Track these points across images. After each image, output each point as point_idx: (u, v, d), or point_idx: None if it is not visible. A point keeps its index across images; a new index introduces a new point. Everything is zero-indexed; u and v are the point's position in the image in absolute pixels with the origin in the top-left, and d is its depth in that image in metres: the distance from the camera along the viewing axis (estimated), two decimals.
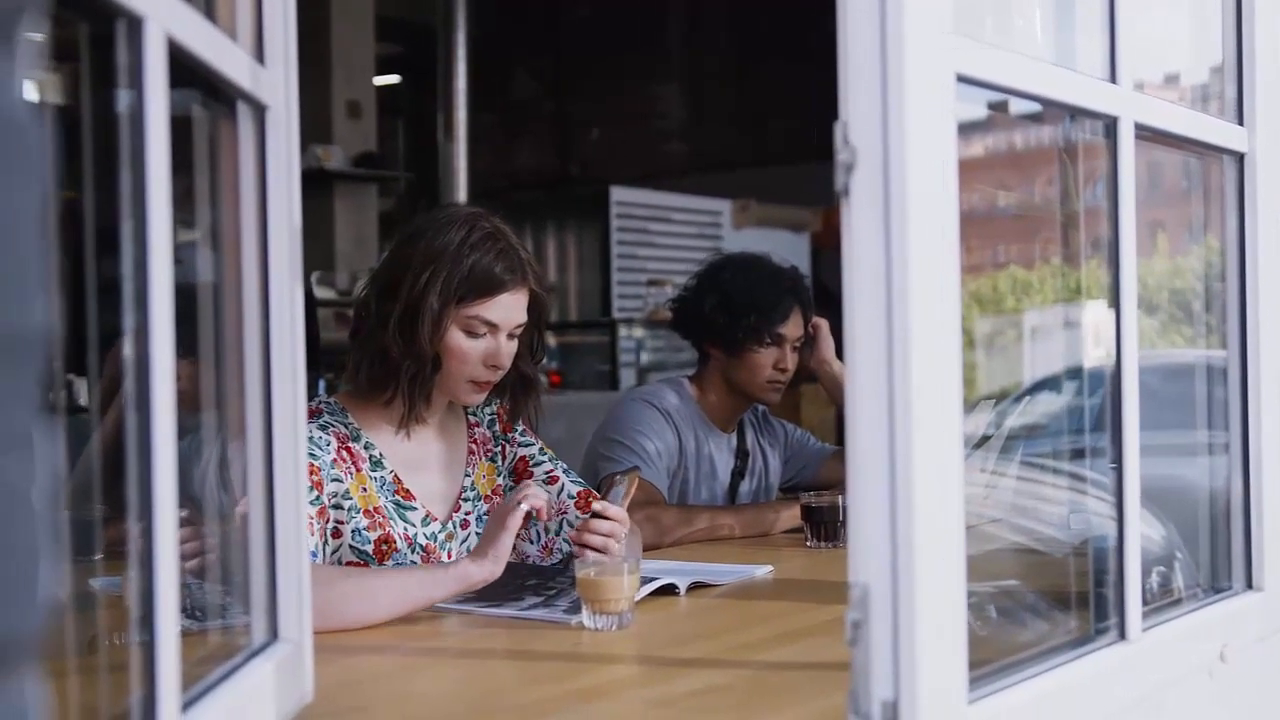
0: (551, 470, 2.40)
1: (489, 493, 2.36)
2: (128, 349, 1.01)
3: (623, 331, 7.44)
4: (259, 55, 1.35)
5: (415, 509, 2.23)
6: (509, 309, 2.20)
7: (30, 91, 0.60)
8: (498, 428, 2.41)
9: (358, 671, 1.71)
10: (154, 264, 1.01)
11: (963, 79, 1.25)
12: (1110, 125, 1.52)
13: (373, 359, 2.20)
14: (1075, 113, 1.56)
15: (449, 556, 2.25)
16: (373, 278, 2.26)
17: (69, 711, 1.13)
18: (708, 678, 1.63)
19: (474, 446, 2.37)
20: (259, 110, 1.35)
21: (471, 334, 2.18)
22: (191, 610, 1.42)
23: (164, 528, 1.02)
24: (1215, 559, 1.87)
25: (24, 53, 0.59)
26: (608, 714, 1.52)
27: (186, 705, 1.09)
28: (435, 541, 2.25)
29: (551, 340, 7.63)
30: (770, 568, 2.38)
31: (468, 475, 2.34)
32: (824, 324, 3.11)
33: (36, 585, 0.59)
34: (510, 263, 2.20)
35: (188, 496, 1.11)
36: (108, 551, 1.49)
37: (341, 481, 2.15)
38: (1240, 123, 1.81)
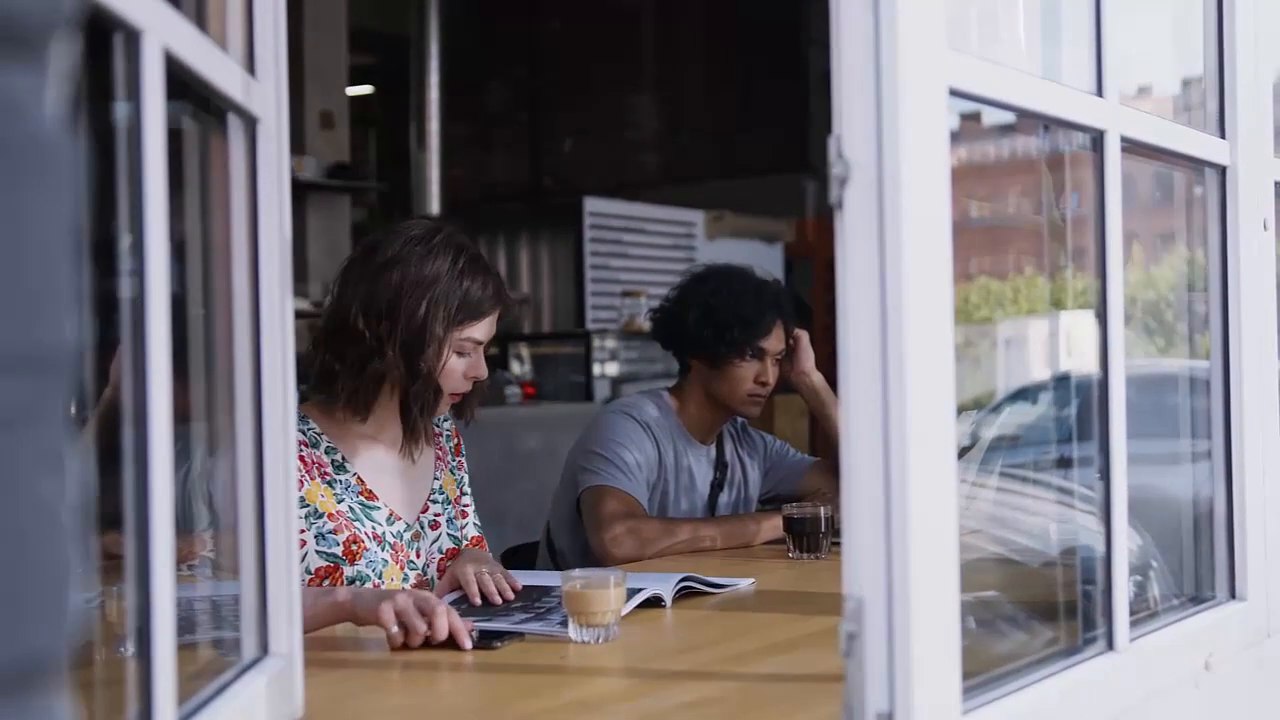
0: (468, 506, 2.50)
1: (455, 498, 2.45)
2: (125, 362, 1.00)
3: (597, 342, 7.42)
4: (250, 67, 1.34)
5: (379, 508, 2.29)
6: (492, 325, 2.33)
7: (61, 108, 0.60)
8: (452, 445, 2.50)
9: (347, 686, 1.70)
10: (151, 276, 1.00)
11: (955, 93, 1.25)
12: (1097, 138, 1.53)
13: (369, 382, 2.24)
14: (1064, 126, 1.57)
15: (418, 556, 2.32)
16: (360, 300, 2.24)
17: None
18: (698, 690, 1.63)
19: (440, 454, 2.45)
20: (250, 122, 1.34)
21: (461, 354, 2.29)
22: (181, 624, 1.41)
23: (160, 543, 1.01)
24: (1199, 568, 1.88)
25: (55, 71, 0.59)
26: None
27: None
28: (402, 540, 2.31)
29: (525, 351, 7.61)
30: (753, 580, 2.38)
31: (436, 479, 2.42)
32: (804, 335, 3.12)
33: (67, 603, 0.59)
34: (496, 284, 2.31)
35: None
36: (95, 566, 1.48)
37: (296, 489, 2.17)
38: (1222, 136, 1.83)
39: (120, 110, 1.02)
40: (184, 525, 1.58)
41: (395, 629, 1.82)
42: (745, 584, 2.36)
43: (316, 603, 1.94)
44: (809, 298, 7.19)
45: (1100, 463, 1.55)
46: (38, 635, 0.56)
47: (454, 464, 2.49)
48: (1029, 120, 1.61)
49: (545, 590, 2.19)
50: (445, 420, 2.49)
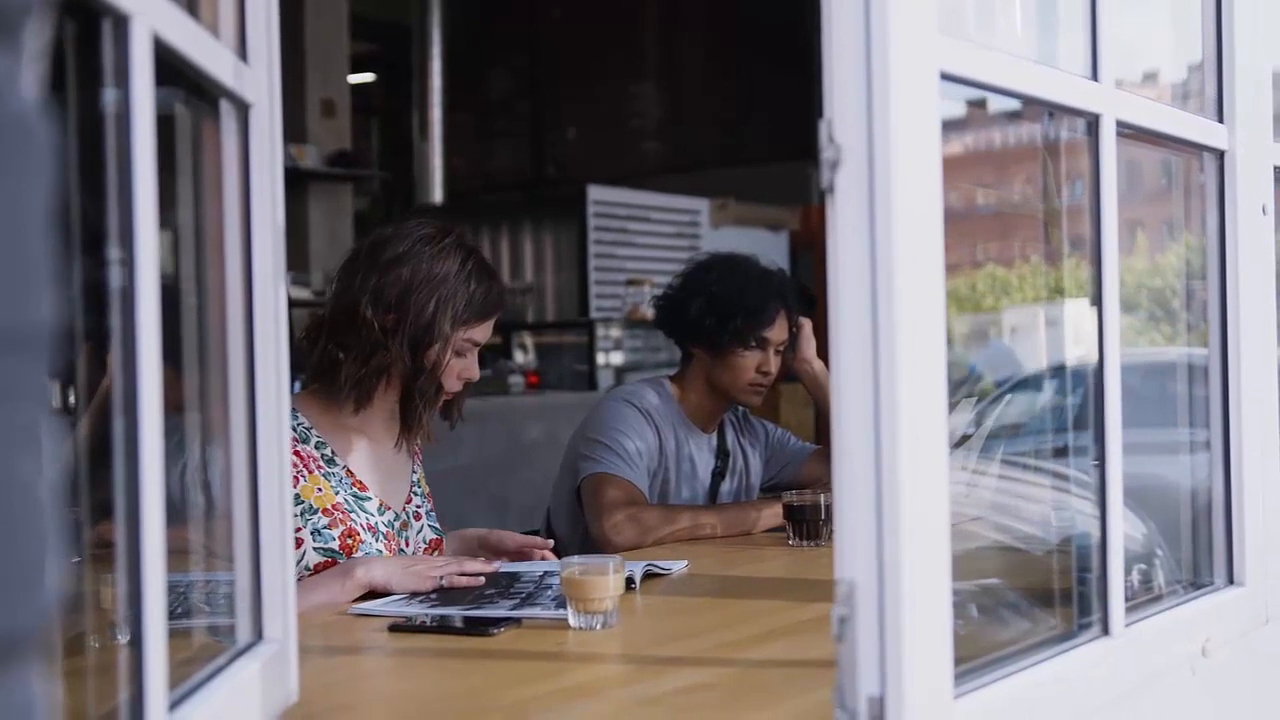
0: (429, 506, 2.52)
1: (428, 494, 2.51)
2: (114, 351, 1.00)
3: (601, 331, 7.42)
4: (242, 53, 1.34)
5: (370, 499, 2.33)
6: (490, 329, 2.38)
7: (36, 89, 0.60)
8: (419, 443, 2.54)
9: (342, 672, 1.71)
10: (141, 265, 1.00)
11: (947, 77, 1.25)
12: (1092, 123, 1.52)
13: (373, 373, 2.28)
14: (1058, 110, 1.57)
15: (407, 545, 2.38)
16: (369, 294, 2.26)
17: (54, 713, 1.12)
18: (693, 676, 1.63)
19: (417, 449, 2.50)
20: (242, 109, 1.34)
21: (460, 354, 2.33)
22: (174, 610, 1.41)
23: (150, 529, 1.02)
24: (1197, 554, 1.88)
25: (30, 51, 0.59)
26: (593, 713, 1.52)
27: (173, 705, 1.09)
28: (393, 529, 2.35)
29: (529, 340, 7.62)
30: (686, 563, 2.40)
31: (415, 472, 2.47)
32: (807, 323, 3.12)
33: (44, 580, 0.59)
34: (500, 288, 2.37)
35: (168, 498, 1.11)
36: (89, 554, 1.49)
37: (292, 487, 2.19)
38: (1220, 120, 1.82)
39: (109, 96, 1.02)
40: (186, 516, 1.59)
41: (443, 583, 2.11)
42: (678, 566, 2.38)
43: (336, 586, 2.09)
44: (814, 286, 7.18)
45: (1095, 449, 1.55)
46: (13, 612, 0.57)
47: (421, 461, 2.54)
48: (1032, 106, 1.61)
49: (515, 576, 2.20)
50: None
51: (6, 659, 0.56)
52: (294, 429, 2.27)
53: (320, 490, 2.25)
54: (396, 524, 2.36)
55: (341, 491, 2.28)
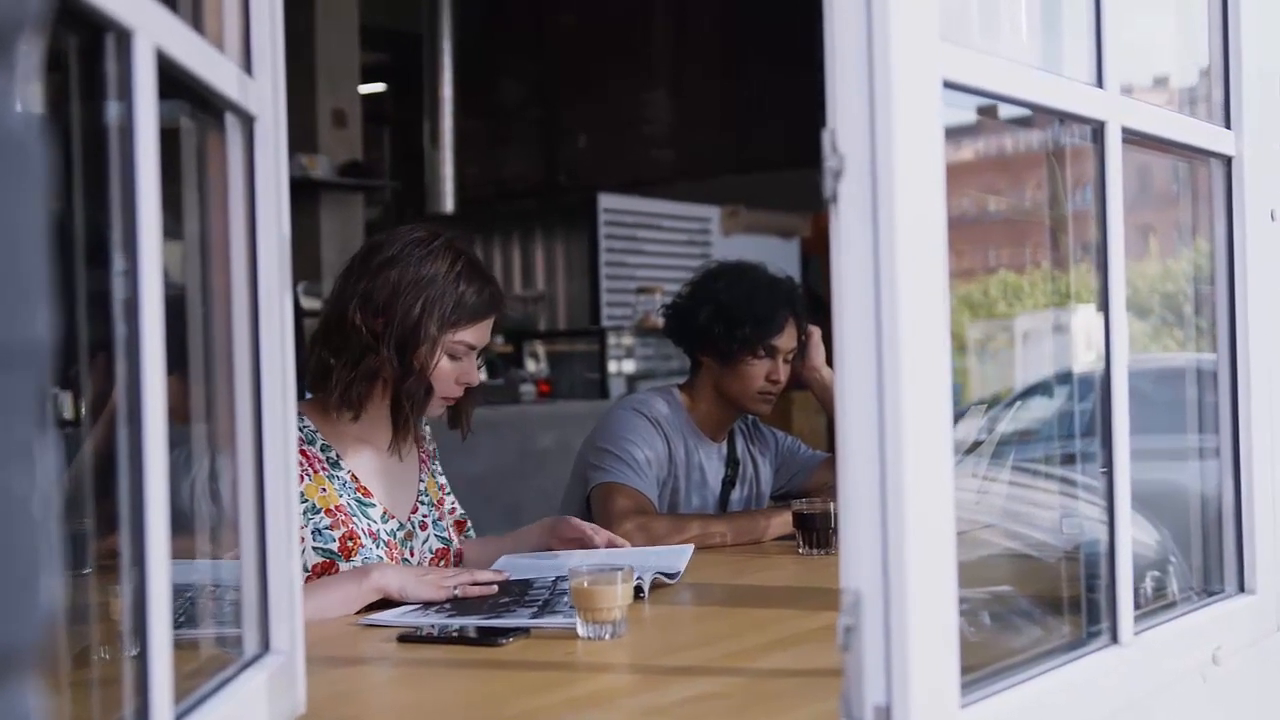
0: (453, 502, 2.56)
1: (437, 500, 2.49)
2: (119, 363, 1.01)
3: (612, 339, 7.42)
4: (247, 66, 1.35)
5: (374, 506, 2.33)
6: (485, 332, 2.36)
7: (30, 105, 0.60)
8: (433, 448, 2.55)
9: (349, 683, 1.71)
10: (144, 277, 1.01)
11: (950, 85, 1.25)
12: (1098, 130, 1.52)
13: (362, 378, 2.28)
14: (1063, 117, 1.57)
15: (411, 554, 2.37)
16: (358, 298, 2.28)
17: None
18: (701, 685, 1.63)
19: (424, 457, 2.50)
20: (247, 121, 1.34)
21: (453, 357, 2.32)
22: (181, 620, 1.42)
23: (155, 540, 1.02)
24: (1207, 562, 1.88)
25: (24, 67, 0.59)
26: None
27: (179, 717, 1.09)
28: (395, 539, 2.34)
29: (540, 349, 7.62)
30: (691, 548, 2.43)
31: (422, 481, 2.46)
32: (816, 331, 3.11)
33: (38, 595, 0.59)
34: (493, 290, 2.35)
35: (177, 510, 1.11)
36: (98, 566, 1.49)
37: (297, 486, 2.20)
38: (1228, 126, 1.82)
39: (113, 110, 1.02)
40: (194, 528, 1.59)
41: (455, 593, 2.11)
42: (685, 553, 2.42)
43: (351, 587, 2.09)
44: (825, 292, 7.18)
45: (1103, 455, 1.54)
46: (8, 626, 0.57)
47: (434, 468, 2.54)
48: (1040, 113, 1.60)
49: (528, 584, 2.20)
50: (426, 425, 2.53)
51: (3, 673, 0.57)
52: (300, 431, 2.27)
53: (324, 491, 2.26)
54: (400, 533, 2.36)
55: (345, 495, 2.28)
